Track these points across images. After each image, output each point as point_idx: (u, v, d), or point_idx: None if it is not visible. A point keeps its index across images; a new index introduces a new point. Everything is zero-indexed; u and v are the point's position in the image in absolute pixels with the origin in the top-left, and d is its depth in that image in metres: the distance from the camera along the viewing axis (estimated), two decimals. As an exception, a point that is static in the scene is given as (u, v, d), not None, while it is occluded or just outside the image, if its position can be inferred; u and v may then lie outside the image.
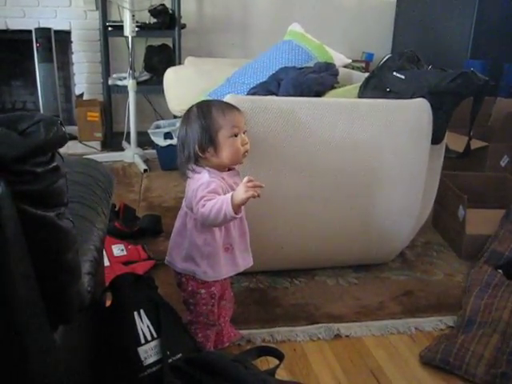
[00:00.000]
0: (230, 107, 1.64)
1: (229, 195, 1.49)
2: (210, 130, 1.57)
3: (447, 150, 2.42)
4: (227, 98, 1.92)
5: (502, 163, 3.21)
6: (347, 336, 1.95)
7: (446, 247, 2.71)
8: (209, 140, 1.57)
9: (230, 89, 3.14)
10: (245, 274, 2.27)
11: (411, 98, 2.16)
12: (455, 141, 2.62)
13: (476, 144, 3.07)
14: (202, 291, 1.67)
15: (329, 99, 2.38)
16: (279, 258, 2.24)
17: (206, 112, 1.59)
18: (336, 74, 2.82)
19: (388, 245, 2.30)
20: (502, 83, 3.93)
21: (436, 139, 2.19)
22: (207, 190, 1.52)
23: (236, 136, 1.59)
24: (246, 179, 1.48)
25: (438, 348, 1.86)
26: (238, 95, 2.00)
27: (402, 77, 2.27)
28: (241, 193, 1.46)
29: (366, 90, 2.35)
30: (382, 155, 2.09)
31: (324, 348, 1.88)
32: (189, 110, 1.63)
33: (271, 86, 2.83)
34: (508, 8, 3.94)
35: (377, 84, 2.33)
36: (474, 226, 2.58)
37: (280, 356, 1.27)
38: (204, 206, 1.50)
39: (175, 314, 1.64)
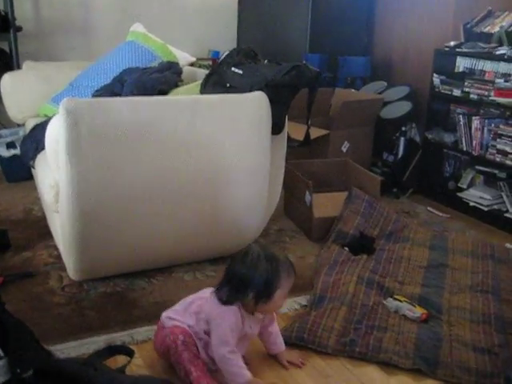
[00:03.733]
0: (292, 268, 1.68)
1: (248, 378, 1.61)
2: (272, 287, 1.61)
3: (289, 139, 2.55)
4: (64, 102, 1.87)
5: (344, 149, 3.45)
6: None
7: (298, 232, 2.86)
8: (267, 295, 1.61)
9: (74, 93, 3.06)
10: (101, 279, 2.25)
11: (250, 91, 2.24)
12: (297, 131, 2.77)
13: (318, 132, 3.27)
14: None
15: (169, 97, 2.41)
16: (134, 259, 2.23)
17: (274, 268, 1.61)
18: (179, 72, 2.86)
19: (241, 236, 2.37)
20: (339, 75, 4.21)
21: (276, 130, 2.29)
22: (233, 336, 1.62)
23: (284, 297, 1.68)
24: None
25: (293, 327, 1.96)
26: (75, 98, 1.95)
27: (240, 72, 2.36)
28: None
29: (207, 87, 2.41)
30: (225, 149, 2.15)
31: (185, 342, 1.91)
32: (255, 254, 1.61)
33: (115, 88, 2.79)
34: (338, 7, 4.22)
35: (217, 80, 2.39)
36: (320, 209, 2.74)
37: (130, 352, 1.28)
38: (230, 360, 1.60)
39: (25, 328, 1.57)
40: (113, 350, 1.31)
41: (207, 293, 1.71)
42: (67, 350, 1.82)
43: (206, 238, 2.30)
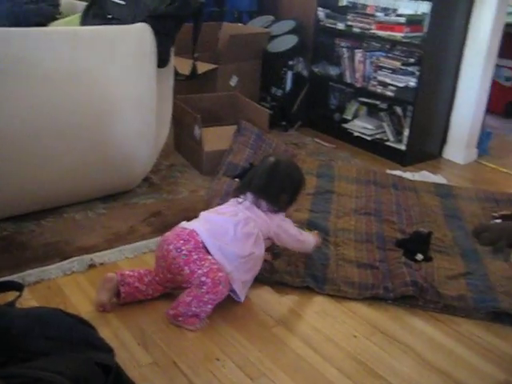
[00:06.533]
0: None
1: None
2: (301, 189, 1.98)
3: (176, 73, 2.51)
4: None
5: (232, 83, 3.45)
6: (101, 264, 1.98)
7: (189, 167, 2.87)
8: (296, 197, 1.97)
9: None
10: (-14, 223, 2.15)
11: (132, 23, 2.17)
12: (184, 65, 2.73)
13: (206, 67, 3.24)
14: None
15: (45, 28, 2.28)
16: (20, 201, 2.15)
17: (301, 172, 2.00)
18: (56, 4, 2.70)
19: (130, 171, 2.34)
20: (227, 9, 4.15)
21: (162, 62, 2.25)
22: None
23: None
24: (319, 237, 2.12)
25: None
26: None
27: (122, 2, 2.27)
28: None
29: (87, 19, 2.30)
30: (108, 82, 2.09)
31: (79, 280, 1.90)
32: (291, 165, 1.99)
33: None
34: None
35: (97, 12, 2.30)
36: (210, 143, 2.76)
37: (19, 287, 1.25)
38: (305, 239, 2.01)
39: None
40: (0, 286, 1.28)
41: (237, 218, 1.84)
42: (-48, 297, 1.75)
43: (95, 174, 2.25)
